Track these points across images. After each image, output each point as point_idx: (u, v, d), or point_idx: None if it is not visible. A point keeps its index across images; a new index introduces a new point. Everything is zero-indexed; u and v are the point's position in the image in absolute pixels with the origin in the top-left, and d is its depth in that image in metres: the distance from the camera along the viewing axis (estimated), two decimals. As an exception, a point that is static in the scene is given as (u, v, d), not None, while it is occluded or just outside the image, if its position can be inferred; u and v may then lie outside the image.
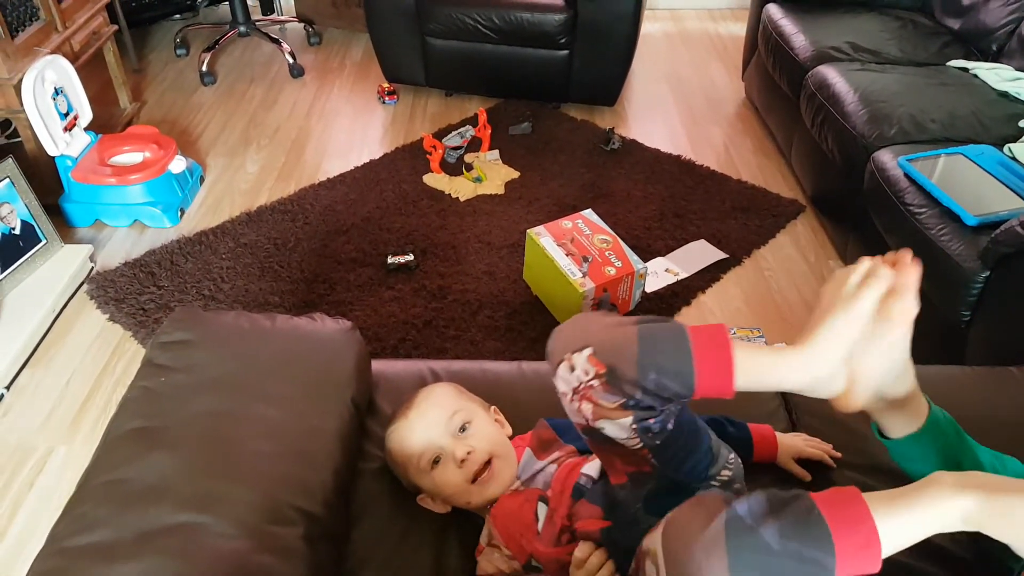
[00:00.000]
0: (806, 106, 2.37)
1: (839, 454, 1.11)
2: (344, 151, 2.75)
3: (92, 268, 2.18)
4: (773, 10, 2.73)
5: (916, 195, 1.80)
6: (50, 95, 2.17)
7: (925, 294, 1.83)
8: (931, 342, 1.72)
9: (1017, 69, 2.26)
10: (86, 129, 2.36)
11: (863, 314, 0.73)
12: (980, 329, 1.61)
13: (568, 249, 1.92)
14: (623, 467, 0.83)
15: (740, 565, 0.60)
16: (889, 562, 0.63)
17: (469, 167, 2.60)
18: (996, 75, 2.23)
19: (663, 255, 2.24)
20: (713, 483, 0.83)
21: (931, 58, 2.40)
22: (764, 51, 2.75)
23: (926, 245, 1.71)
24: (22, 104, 2.10)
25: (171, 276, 2.13)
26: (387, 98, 3.03)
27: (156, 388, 0.99)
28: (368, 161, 2.66)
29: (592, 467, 0.95)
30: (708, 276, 2.18)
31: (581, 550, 0.87)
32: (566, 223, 2.01)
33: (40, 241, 2.10)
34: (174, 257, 2.19)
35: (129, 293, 2.07)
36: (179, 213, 2.39)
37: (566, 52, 2.80)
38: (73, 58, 2.36)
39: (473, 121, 2.80)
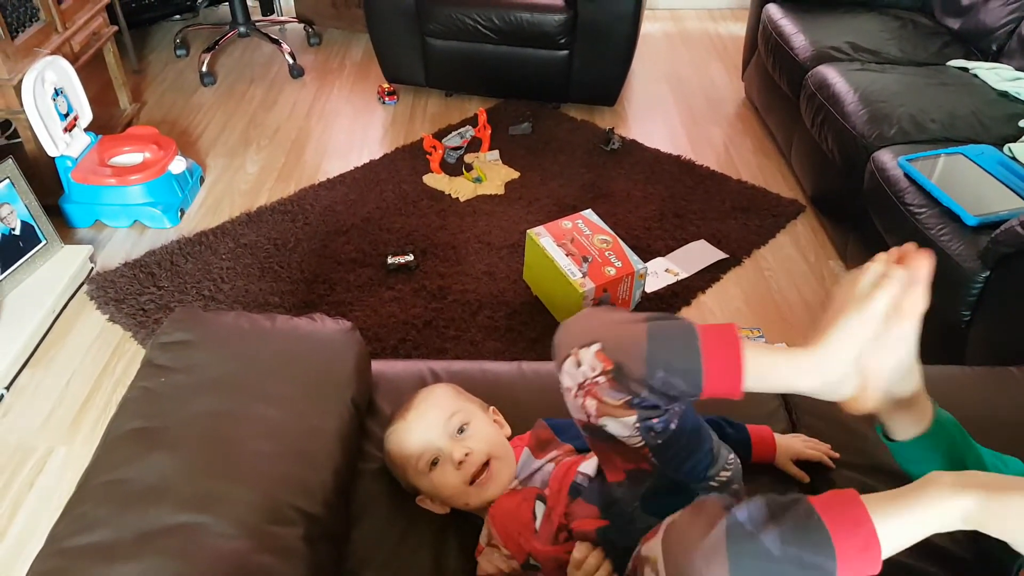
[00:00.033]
0: (806, 106, 2.37)
1: (837, 454, 1.11)
2: (344, 151, 2.75)
3: (92, 269, 2.18)
4: (773, 10, 2.73)
5: (916, 195, 1.80)
6: (50, 96, 2.17)
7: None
8: (931, 342, 1.71)
9: (1017, 69, 2.26)
10: (86, 130, 2.36)
11: (876, 315, 0.72)
12: (980, 329, 1.61)
13: (568, 249, 1.92)
14: (622, 464, 0.83)
15: (741, 572, 0.60)
16: (889, 562, 0.63)
17: (469, 167, 2.60)
18: (996, 75, 2.23)
19: (663, 255, 2.24)
20: (712, 483, 0.83)
21: (931, 58, 2.40)
22: (764, 51, 2.75)
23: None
24: (22, 105, 2.10)
25: (171, 276, 2.13)
26: (387, 98, 3.03)
27: (156, 388, 0.99)
28: (368, 161, 2.66)
29: (589, 466, 0.94)
30: (708, 276, 2.18)
31: (579, 550, 0.87)
32: (566, 223, 2.01)
33: (40, 242, 2.10)
34: (174, 258, 2.19)
35: (129, 294, 2.07)
36: (179, 214, 2.39)
37: (566, 52, 2.81)
38: (73, 59, 2.36)
39: (473, 121, 2.80)
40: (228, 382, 1.01)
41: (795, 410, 1.22)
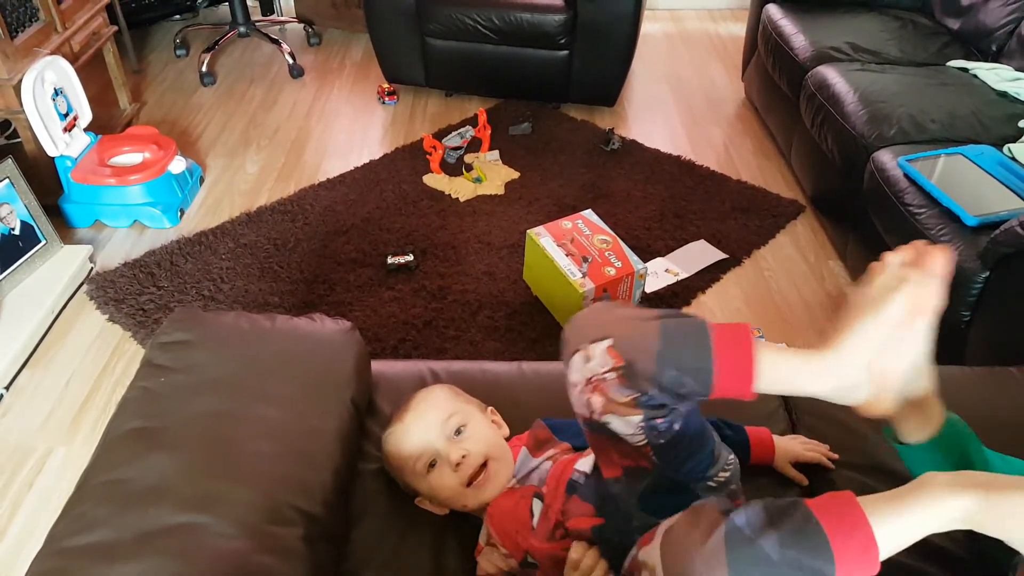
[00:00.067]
0: (806, 106, 2.37)
1: (836, 456, 1.11)
2: (344, 151, 2.75)
3: (92, 269, 2.18)
4: (773, 10, 2.73)
5: (916, 195, 1.80)
6: (50, 96, 2.17)
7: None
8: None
9: (1017, 69, 2.26)
10: (86, 130, 2.36)
11: (891, 319, 0.72)
12: (980, 329, 1.61)
13: (568, 249, 1.92)
14: (620, 460, 0.82)
15: None
16: (888, 562, 0.63)
17: (469, 167, 2.60)
18: (996, 75, 2.23)
19: (663, 255, 2.24)
20: (710, 483, 0.83)
21: (931, 58, 2.40)
22: (764, 51, 2.75)
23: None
24: (22, 105, 2.10)
25: (171, 276, 2.13)
26: (387, 98, 3.03)
27: (156, 388, 0.99)
28: (368, 161, 2.66)
29: (586, 463, 0.94)
30: (708, 276, 2.18)
31: (575, 551, 0.87)
32: (566, 223, 2.01)
33: (40, 242, 2.10)
34: (174, 258, 2.19)
35: (129, 294, 2.07)
36: (179, 214, 2.39)
37: (566, 52, 2.81)
38: (73, 59, 2.36)
39: (473, 121, 2.80)
40: (228, 382, 1.01)
41: (795, 410, 1.22)
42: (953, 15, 2.60)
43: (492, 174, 2.57)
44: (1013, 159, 1.88)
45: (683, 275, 2.17)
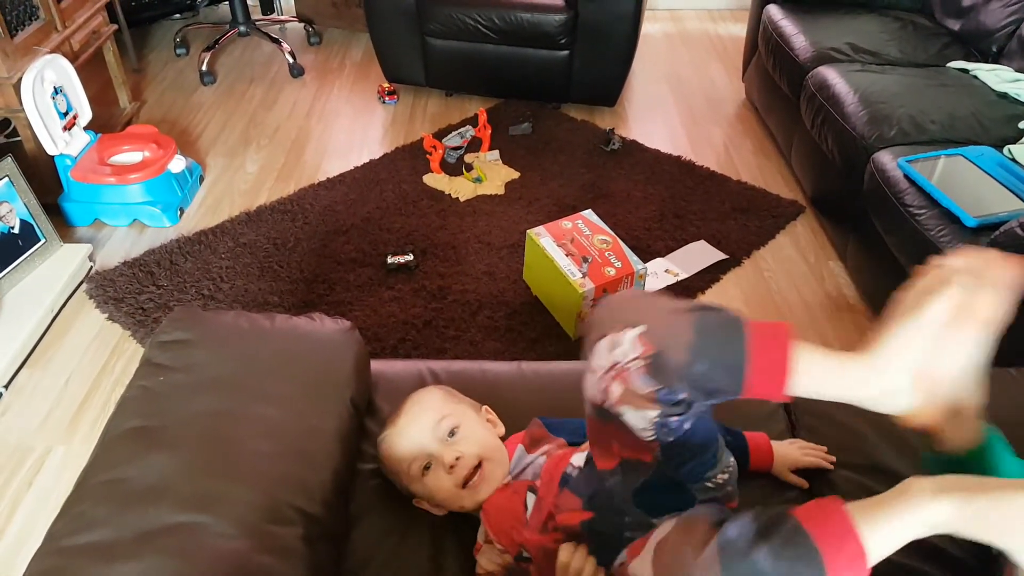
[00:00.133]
0: (806, 107, 2.37)
1: (834, 458, 1.11)
2: (344, 151, 2.75)
3: (91, 267, 2.18)
4: (773, 11, 2.73)
5: (916, 196, 1.80)
6: (49, 94, 2.17)
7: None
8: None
9: (1017, 70, 2.26)
10: (85, 128, 2.36)
11: (932, 322, 0.69)
12: (980, 330, 1.61)
13: (568, 249, 1.92)
14: (619, 451, 0.81)
15: None
16: (889, 562, 0.63)
17: (469, 167, 2.59)
18: (996, 76, 2.23)
19: (663, 256, 2.24)
20: (708, 484, 0.82)
21: (931, 59, 2.40)
22: (764, 52, 2.75)
23: (925, 246, 1.71)
24: (21, 103, 2.10)
25: (170, 276, 2.12)
26: (387, 98, 3.03)
27: (155, 387, 0.99)
28: (368, 161, 2.66)
29: (581, 457, 0.94)
30: (708, 277, 2.18)
31: (563, 553, 0.87)
32: (566, 223, 2.01)
33: (39, 240, 2.10)
34: (173, 257, 2.19)
35: (128, 292, 2.07)
36: (178, 213, 2.39)
37: (566, 52, 2.80)
38: (73, 57, 2.36)
39: (473, 121, 2.80)
40: (227, 381, 1.01)
41: (794, 410, 1.22)
42: (953, 16, 2.60)
43: (492, 174, 2.57)
44: (1013, 160, 1.88)
45: (683, 275, 2.17)
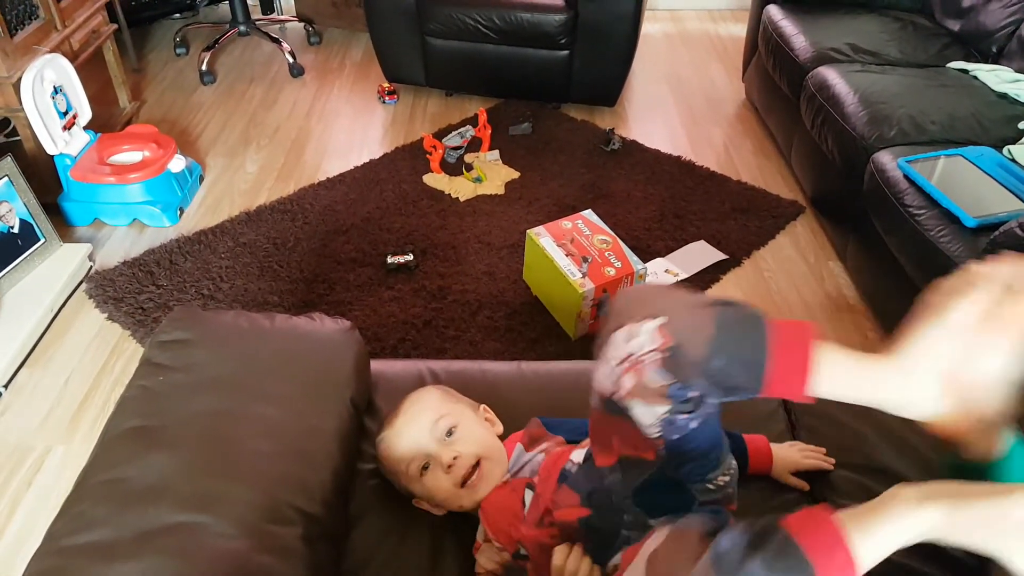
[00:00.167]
0: (806, 107, 2.37)
1: (833, 460, 1.11)
2: (344, 151, 2.75)
3: (91, 267, 2.18)
4: (773, 11, 2.73)
5: (916, 196, 1.80)
6: (49, 94, 2.17)
7: (925, 295, 1.82)
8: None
9: (1017, 71, 2.26)
10: (85, 128, 2.36)
11: (958, 325, 0.67)
12: (979, 330, 1.61)
13: (568, 249, 1.92)
14: (619, 448, 0.80)
15: None
16: (889, 563, 0.63)
17: (469, 167, 2.59)
18: (996, 77, 2.23)
19: (663, 256, 2.24)
20: (709, 486, 0.82)
21: (931, 60, 2.40)
22: (764, 52, 2.75)
23: (925, 246, 1.71)
24: (21, 103, 2.10)
25: (170, 275, 2.12)
26: (387, 98, 3.03)
27: (155, 387, 0.99)
28: (368, 161, 2.66)
29: (580, 454, 0.94)
30: (708, 277, 2.18)
31: (557, 557, 0.86)
32: (566, 223, 2.01)
33: (39, 240, 2.10)
34: (173, 256, 2.19)
35: (128, 292, 2.06)
36: (178, 212, 2.38)
37: (566, 52, 2.80)
38: (72, 57, 2.36)
39: (473, 121, 2.80)
40: (227, 381, 1.01)
41: (794, 410, 1.22)
42: (953, 16, 2.60)
43: (492, 174, 2.57)
44: (1013, 161, 1.88)
45: (683, 276, 2.17)
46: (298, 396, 1.02)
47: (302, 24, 3.54)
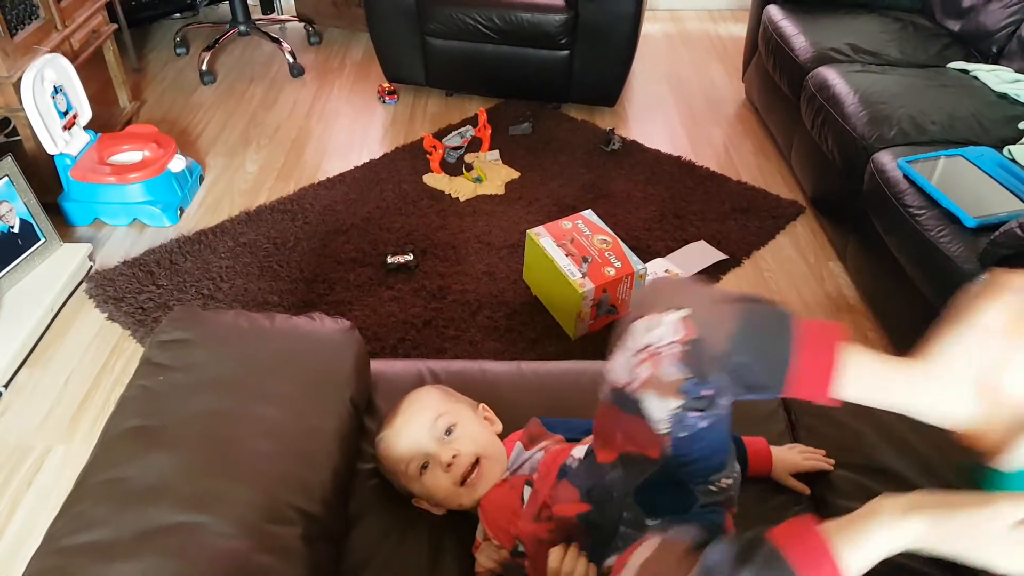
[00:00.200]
0: (806, 107, 2.37)
1: (833, 460, 1.11)
2: (344, 151, 2.75)
3: (91, 267, 2.18)
4: (773, 11, 2.73)
5: (916, 196, 1.80)
6: (49, 93, 2.17)
7: (924, 295, 1.82)
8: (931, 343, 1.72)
9: (1017, 71, 2.26)
10: (85, 128, 2.36)
11: (987, 329, 0.66)
12: (979, 331, 1.61)
13: (568, 249, 1.92)
14: (622, 443, 0.79)
15: None
16: (888, 563, 0.64)
17: (469, 167, 2.59)
18: (996, 77, 2.23)
19: (663, 256, 2.24)
20: (711, 487, 0.82)
21: (931, 60, 2.40)
22: (764, 52, 2.75)
23: (925, 247, 1.71)
24: (21, 103, 2.10)
25: (170, 275, 2.12)
26: (387, 98, 3.03)
27: (155, 387, 0.99)
28: (368, 161, 2.66)
29: (582, 450, 0.94)
30: (708, 277, 2.18)
31: (553, 558, 0.86)
32: (566, 223, 2.01)
33: (39, 240, 2.10)
34: (173, 256, 2.19)
35: (128, 292, 2.06)
36: (178, 212, 2.39)
37: (566, 52, 2.80)
38: (72, 57, 2.36)
39: (473, 121, 2.80)
40: (227, 381, 1.01)
41: (794, 411, 1.22)
42: (953, 17, 2.60)
43: (492, 174, 2.57)
44: (1013, 161, 1.88)
45: (683, 276, 2.17)
46: (298, 396, 1.02)
47: (302, 24, 3.54)
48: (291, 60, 3.22)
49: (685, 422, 0.73)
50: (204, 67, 3.15)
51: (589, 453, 0.90)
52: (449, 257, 2.22)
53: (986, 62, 2.40)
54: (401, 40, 2.89)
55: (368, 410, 1.16)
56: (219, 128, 2.87)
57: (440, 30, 2.82)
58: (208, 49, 3.21)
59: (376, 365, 1.22)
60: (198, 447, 0.91)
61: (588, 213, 2.05)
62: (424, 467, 0.98)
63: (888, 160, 1.93)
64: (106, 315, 2.02)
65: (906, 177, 1.85)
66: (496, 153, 2.67)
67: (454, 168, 2.61)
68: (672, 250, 2.27)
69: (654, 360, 0.71)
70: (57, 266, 2.08)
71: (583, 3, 2.69)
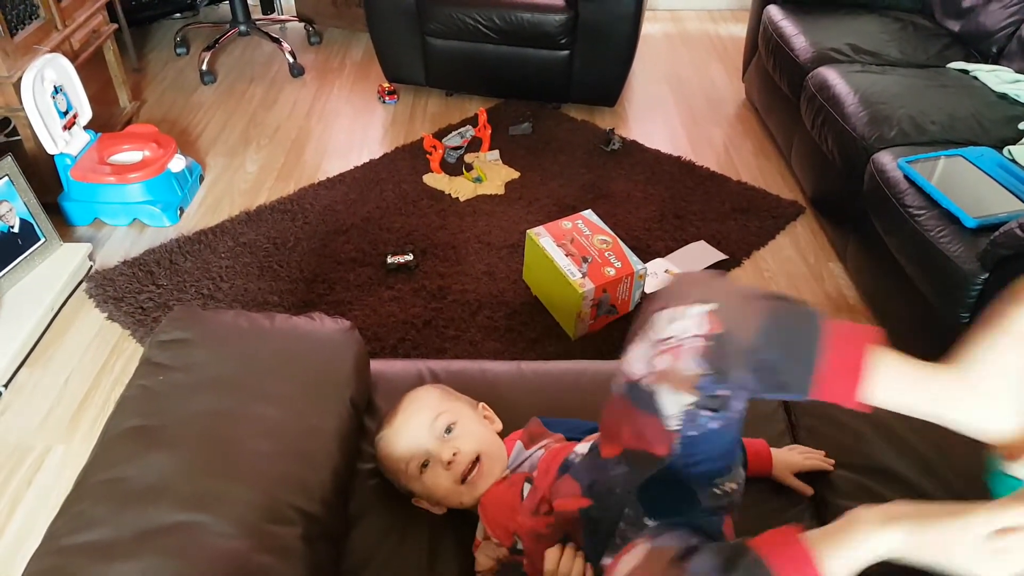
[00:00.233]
0: (806, 107, 2.37)
1: (833, 460, 1.11)
2: (344, 151, 2.75)
3: (91, 267, 2.18)
4: (774, 11, 2.73)
5: (916, 197, 1.80)
6: (49, 93, 2.17)
7: (924, 295, 1.82)
8: (930, 343, 1.72)
9: (1017, 71, 2.26)
10: (85, 128, 2.36)
11: (1021, 336, 0.64)
12: (979, 331, 1.61)
13: (568, 249, 1.92)
14: (627, 439, 0.78)
15: None
16: (888, 563, 0.64)
17: (469, 167, 2.59)
18: (996, 77, 2.23)
19: (663, 256, 2.24)
20: (716, 490, 0.82)
21: (931, 60, 2.40)
22: (764, 52, 2.75)
23: (925, 247, 1.71)
24: (21, 102, 2.10)
25: (170, 275, 2.12)
26: (387, 98, 3.03)
27: (155, 387, 0.99)
28: (368, 161, 2.66)
29: (585, 446, 0.94)
30: (707, 277, 2.18)
31: (549, 560, 0.86)
32: (566, 223, 2.01)
33: (39, 239, 2.10)
34: (173, 256, 2.19)
35: (128, 292, 2.06)
36: (178, 212, 2.39)
37: (567, 52, 2.80)
38: (73, 56, 2.36)
39: (473, 121, 2.80)
40: (227, 381, 1.01)
41: (794, 411, 1.22)
42: (953, 17, 2.60)
43: (492, 174, 2.57)
44: (1013, 161, 1.88)
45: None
46: (298, 396, 1.02)
47: (302, 24, 3.54)
48: (291, 60, 3.22)
49: (696, 420, 0.71)
50: (204, 67, 3.15)
51: (593, 448, 0.90)
52: (449, 257, 2.22)
53: (986, 62, 2.40)
54: (401, 40, 2.89)
55: (368, 410, 1.16)
56: (219, 128, 2.87)
57: (440, 30, 2.82)
58: (208, 49, 3.21)
59: (376, 365, 1.23)
60: (198, 447, 0.91)
61: (588, 213, 2.06)
62: (424, 465, 0.98)
63: (888, 160, 1.93)
64: (106, 315, 2.02)
65: (906, 177, 1.85)
66: (496, 153, 2.67)
67: (454, 168, 2.61)
68: (672, 250, 2.27)
69: (674, 352, 0.69)
70: (57, 266, 2.09)
71: (583, 3, 2.69)
